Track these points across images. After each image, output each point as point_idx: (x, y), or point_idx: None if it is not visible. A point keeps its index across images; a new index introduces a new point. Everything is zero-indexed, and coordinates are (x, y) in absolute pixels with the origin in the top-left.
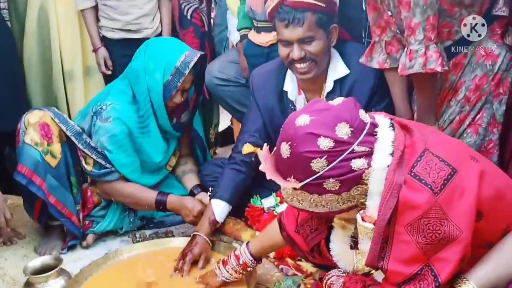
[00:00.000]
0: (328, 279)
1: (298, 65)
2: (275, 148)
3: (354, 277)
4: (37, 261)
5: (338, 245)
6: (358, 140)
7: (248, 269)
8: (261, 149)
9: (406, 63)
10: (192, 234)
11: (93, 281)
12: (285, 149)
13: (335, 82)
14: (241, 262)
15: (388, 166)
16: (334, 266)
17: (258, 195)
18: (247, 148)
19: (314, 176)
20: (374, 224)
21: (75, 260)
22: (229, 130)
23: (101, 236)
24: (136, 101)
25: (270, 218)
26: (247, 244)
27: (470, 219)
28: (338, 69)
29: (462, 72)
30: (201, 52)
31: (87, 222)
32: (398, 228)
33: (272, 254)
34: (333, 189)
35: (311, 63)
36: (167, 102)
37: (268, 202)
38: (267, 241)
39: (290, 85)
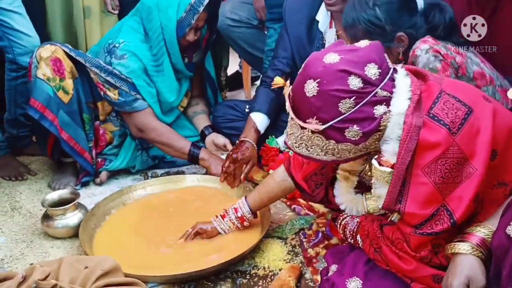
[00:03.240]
0: (343, 219)
1: None
2: (290, 88)
3: (370, 217)
4: (55, 194)
5: (344, 196)
6: (383, 83)
7: (245, 223)
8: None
9: None
10: (239, 140)
11: (111, 219)
12: (311, 87)
13: None
14: (239, 215)
15: (406, 110)
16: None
17: (273, 136)
18: (277, 80)
19: (340, 118)
20: (391, 168)
21: (89, 196)
22: (237, 75)
23: (114, 174)
24: (148, 39)
25: (285, 158)
26: (245, 197)
27: (485, 157)
28: None
29: None
30: None
31: (99, 160)
32: (415, 171)
33: None
34: (353, 138)
35: None
36: (180, 39)
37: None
38: (265, 193)
39: (323, 15)
